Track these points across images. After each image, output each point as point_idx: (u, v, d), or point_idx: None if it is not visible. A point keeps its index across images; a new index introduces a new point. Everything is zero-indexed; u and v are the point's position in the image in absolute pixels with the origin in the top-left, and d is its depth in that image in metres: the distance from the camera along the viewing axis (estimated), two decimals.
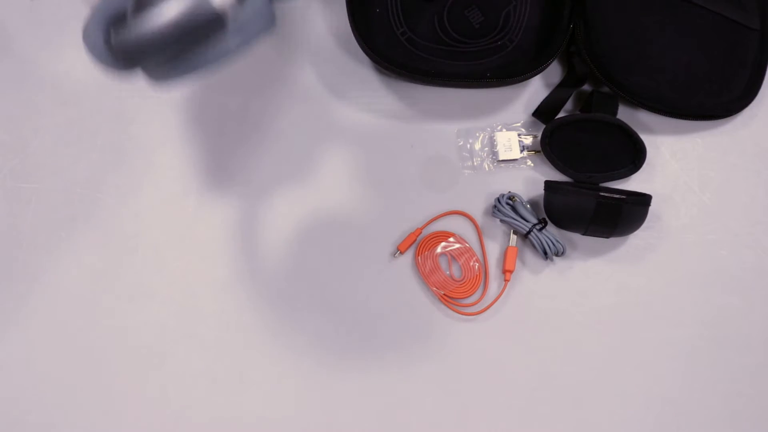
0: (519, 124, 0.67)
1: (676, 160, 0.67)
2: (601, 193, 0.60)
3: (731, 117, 0.67)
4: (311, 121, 0.67)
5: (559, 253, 0.63)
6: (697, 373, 0.63)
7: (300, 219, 0.65)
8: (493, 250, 0.65)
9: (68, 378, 0.63)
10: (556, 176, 0.66)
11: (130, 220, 0.66)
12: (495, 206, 0.64)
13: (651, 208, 0.62)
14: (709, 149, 0.67)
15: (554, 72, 0.68)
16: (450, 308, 0.63)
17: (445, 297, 0.63)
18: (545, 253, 0.62)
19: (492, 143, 0.66)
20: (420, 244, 0.64)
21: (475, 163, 0.66)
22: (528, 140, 0.67)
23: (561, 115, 0.66)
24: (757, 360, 0.63)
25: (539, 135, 0.65)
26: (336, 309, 0.64)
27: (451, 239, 0.64)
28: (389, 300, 0.64)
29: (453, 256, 0.64)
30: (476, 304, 0.64)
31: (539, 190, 0.65)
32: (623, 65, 0.65)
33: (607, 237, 0.63)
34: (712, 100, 0.66)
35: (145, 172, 0.66)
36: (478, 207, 0.66)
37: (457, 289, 0.63)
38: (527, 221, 0.63)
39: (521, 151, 0.66)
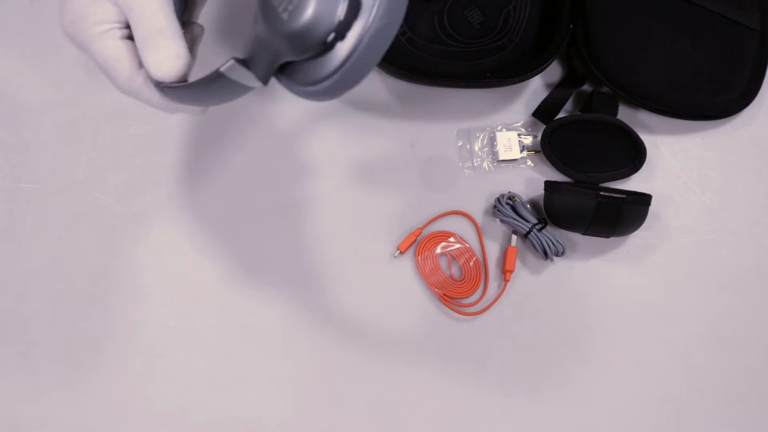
0: (519, 124, 0.67)
1: (676, 160, 0.67)
2: (601, 193, 0.60)
3: (731, 117, 0.67)
4: (310, 121, 0.67)
5: (559, 253, 0.63)
6: (697, 373, 0.63)
7: (299, 219, 0.65)
8: (493, 250, 0.65)
9: (68, 378, 0.63)
10: (556, 176, 0.66)
11: (130, 220, 0.66)
12: (495, 206, 0.64)
13: (651, 208, 0.62)
14: (709, 149, 0.67)
15: (554, 72, 0.68)
16: (450, 308, 0.63)
17: (445, 297, 0.63)
18: (545, 253, 0.62)
19: (492, 143, 0.66)
20: (420, 244, 0.64)
21: (475, 163, 0.66)
22: (528, 140, 0.67)
23: (561, 115, 0.66)
24: (757, 360, 0.63)
25: (539, 135, 0.65)
26: (336, 309, 0.64)
27: (451, 239, 0.64)
28: (389, 300, 0.64)
29: (453, 256, 0.64)
30: (476, 304, 0.64)
31: (539, 190, 0.65)
32: (623, 65, 0.65)
33: (607, 237, 0.63)
34: (711, 100, 0.66)
35: (145, 172, 0.66)
36: (478, 207, 0.66)
37: (457, 289, 0.63)
38: (527, 221, 0.63)
39: (521, 151, 0.66)
